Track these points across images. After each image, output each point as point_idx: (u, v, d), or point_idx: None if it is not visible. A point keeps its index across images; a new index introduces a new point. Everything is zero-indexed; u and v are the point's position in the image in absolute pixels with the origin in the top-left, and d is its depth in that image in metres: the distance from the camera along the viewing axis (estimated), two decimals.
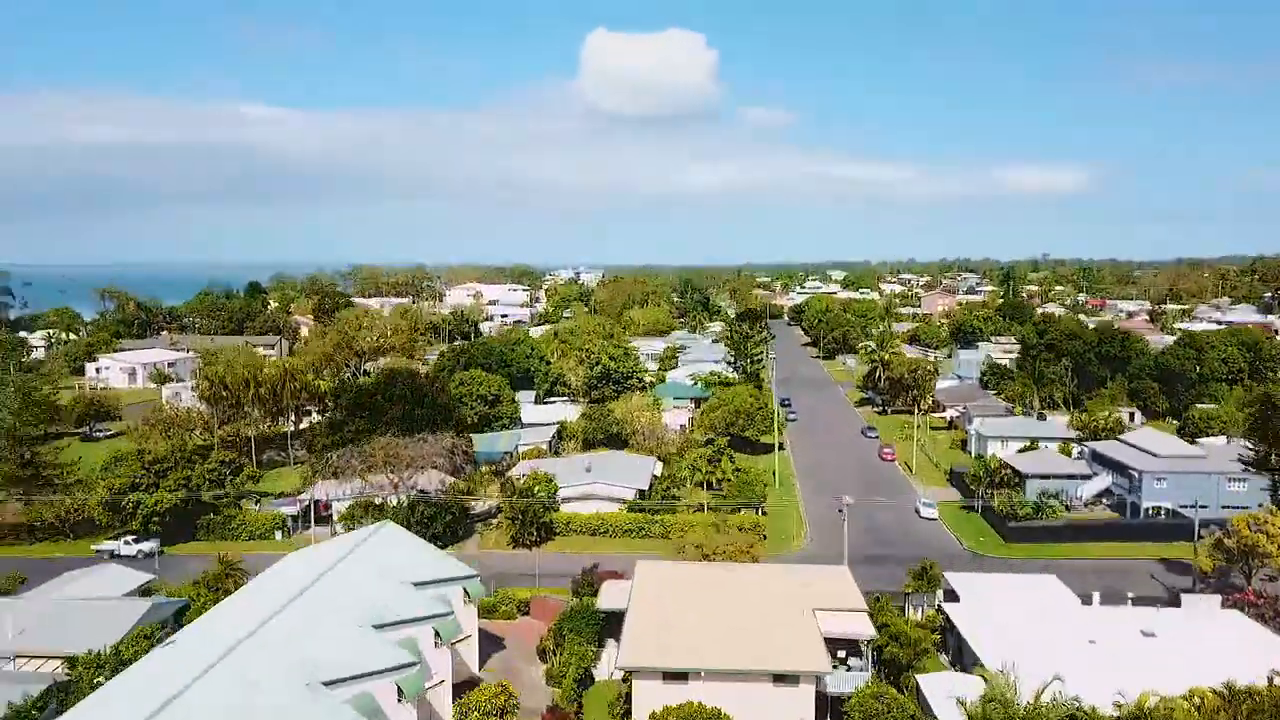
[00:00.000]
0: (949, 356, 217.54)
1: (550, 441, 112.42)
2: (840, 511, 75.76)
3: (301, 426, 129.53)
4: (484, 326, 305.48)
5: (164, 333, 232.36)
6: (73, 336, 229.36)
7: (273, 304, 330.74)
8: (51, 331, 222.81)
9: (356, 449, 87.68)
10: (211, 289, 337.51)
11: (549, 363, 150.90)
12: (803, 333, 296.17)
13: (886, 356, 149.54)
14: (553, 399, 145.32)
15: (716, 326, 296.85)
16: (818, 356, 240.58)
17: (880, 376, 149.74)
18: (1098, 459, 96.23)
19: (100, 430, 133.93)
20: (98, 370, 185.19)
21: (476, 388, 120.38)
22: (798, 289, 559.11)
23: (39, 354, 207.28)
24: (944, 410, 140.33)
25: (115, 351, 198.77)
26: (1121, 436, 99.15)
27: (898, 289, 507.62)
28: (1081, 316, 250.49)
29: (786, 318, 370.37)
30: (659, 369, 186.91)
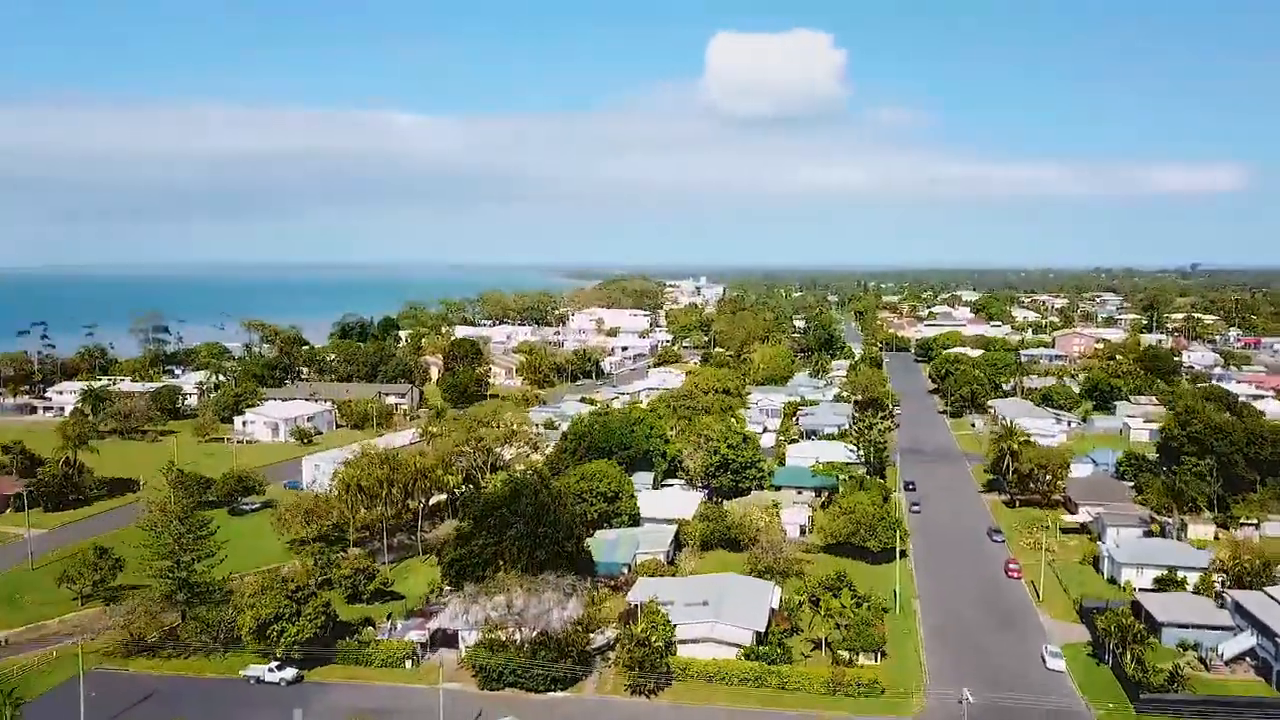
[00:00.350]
0: (1084, 420, 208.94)
1: (667, 553, 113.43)
2: (960, 703, 74.78)
3: (433, 501, 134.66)
4: (605, 363, 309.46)
5: (304, 379, 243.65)
6: (221, 379, 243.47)
7: (404, 335, 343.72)
8: (203, 379, 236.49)
9: (482, 589, 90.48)
10: (349, 324, 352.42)
11: (667, 440, 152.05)
12: (929, 374, 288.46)
13: (1015, 446, 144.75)
14: (671, 482, 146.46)
15: (840, 367, 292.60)
16: (944, 411, 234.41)
17: (1008, 466, 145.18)
18: (1241, 612, 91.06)
19: (246, 504, 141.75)
20: (244, 424, 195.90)
21: (598, 484, 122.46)
22: (925, 310, 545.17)
23: (192, 400, 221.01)
24: (1076, 509, 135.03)
25: (259, 404, 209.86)
26: (1271, 591, 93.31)
27: (1031, 316, 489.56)
28: (1234, 383, 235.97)
29: (913, 352, 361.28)
30: (779, 432, 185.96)
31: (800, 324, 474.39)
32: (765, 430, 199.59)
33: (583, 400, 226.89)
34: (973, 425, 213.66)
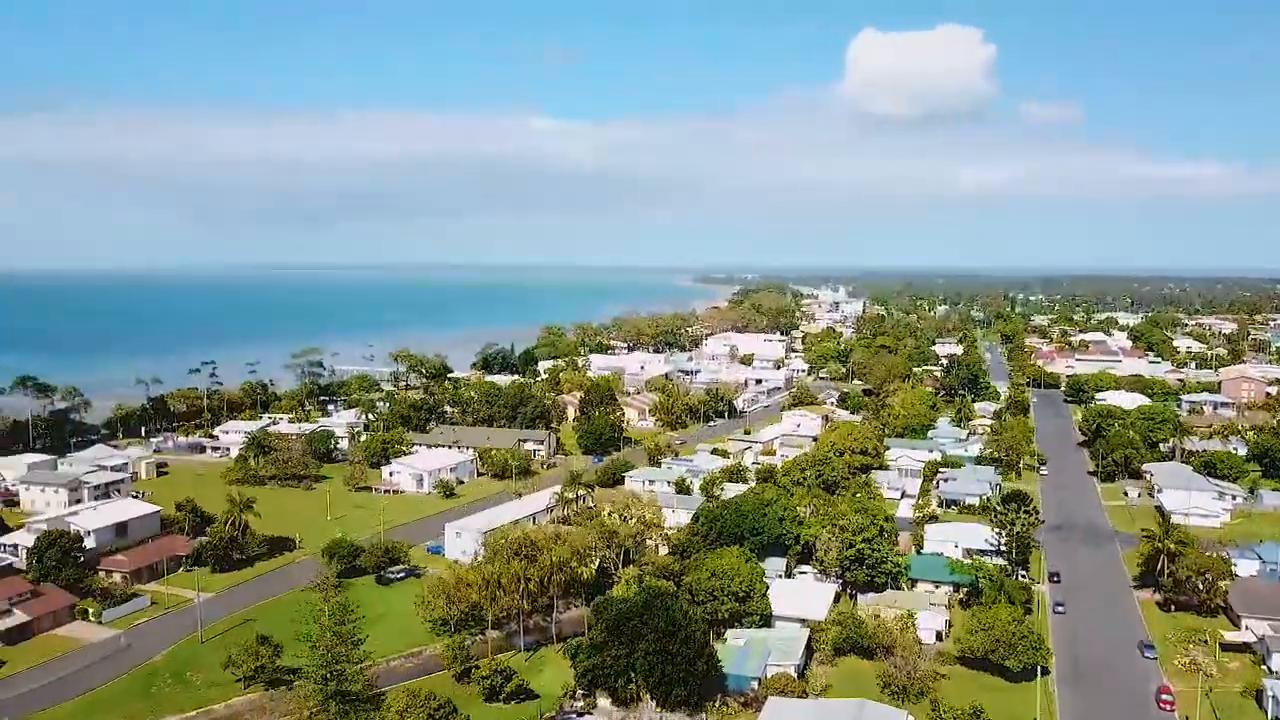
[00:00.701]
0: (1250, 493, 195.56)
1: (798, 665, 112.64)
2: None
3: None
4: (739, 400, 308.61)
5: (448, 418, 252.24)
6: (371, 418, 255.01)
7: (542, 369, 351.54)
8: (354, 421, 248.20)
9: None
10: (490, 354, 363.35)
11: (801, 522, 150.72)
12: (1079, 424, 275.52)
13: (1171, 546, 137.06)
14: (804, 569, 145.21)
15: (987, 410, 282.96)
16: (1094, 472, 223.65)
17: (1163, 567, 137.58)
18: None
19: (392, 573, 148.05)
20: (390, 474, 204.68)
21: (729, 582, 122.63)
22: (1077, 336, 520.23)
23: (343, 444, 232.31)
24: (1240, 623, 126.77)
25: (406, 450, 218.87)
26: None
27: (1195, 346, 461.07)
28: None
29: (1063, 390, 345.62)
30: (917, 507, 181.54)
31: (943, 350, 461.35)
32: (904, 495, 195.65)
33: (715, 452, 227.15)
34: (1125, 494, 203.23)
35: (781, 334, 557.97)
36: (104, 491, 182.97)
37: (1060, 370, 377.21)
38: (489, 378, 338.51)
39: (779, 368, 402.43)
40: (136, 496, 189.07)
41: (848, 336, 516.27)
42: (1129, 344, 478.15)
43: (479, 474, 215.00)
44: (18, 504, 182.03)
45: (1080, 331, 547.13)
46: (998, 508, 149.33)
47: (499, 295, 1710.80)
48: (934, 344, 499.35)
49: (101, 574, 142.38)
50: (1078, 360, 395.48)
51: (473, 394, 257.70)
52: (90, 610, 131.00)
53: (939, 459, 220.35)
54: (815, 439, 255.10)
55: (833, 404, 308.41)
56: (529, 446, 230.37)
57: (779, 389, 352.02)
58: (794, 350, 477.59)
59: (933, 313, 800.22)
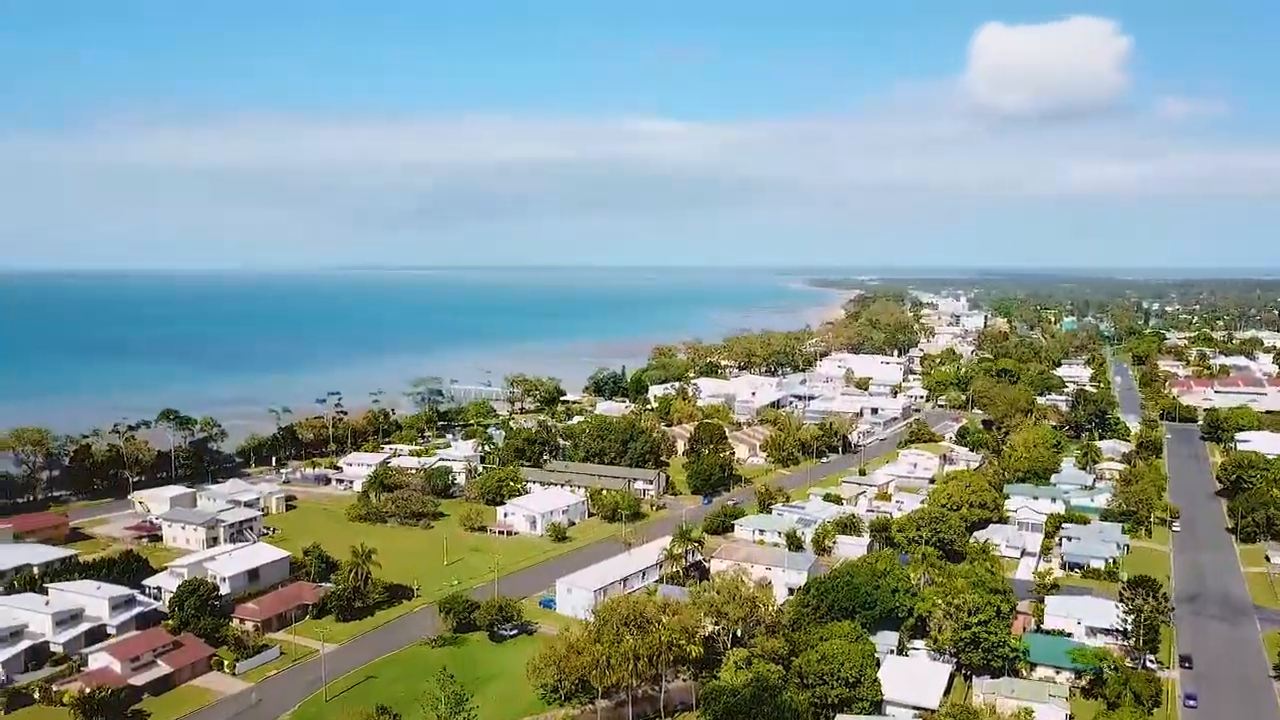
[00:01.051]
0: None
1: None
2: None
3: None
4: (853, 433, 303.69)
5: (559, 456, 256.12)
6: (488, 450, 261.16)
7: (653, 395, 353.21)
8: (471, 454, 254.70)
9: None
10: (601, 379, 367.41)
11: (914, 593, 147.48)
12: (1217, 471, 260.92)
13: None
14: (917, 645, 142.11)
15: (1115, 451, 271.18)
16: (1233, 529, 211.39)
17: None
18: None
19: (505, 630, 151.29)
20: (505, 515, 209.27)
21: (839, 667, 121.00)
22: (1216, 359, 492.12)
23: (459, 478, 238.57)
24: None
25: (520, 487, 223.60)
26: None
27: None
28: None
29: (1200, 425, 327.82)
30: (1037, 572, 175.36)
31: (1069, 372, 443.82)
32: (1024, 553, 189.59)
33: (827, 497, 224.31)
34: (1267, 559, 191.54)
35: (899, 352, 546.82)
36: (238, 530, 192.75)
37: (1197, 402, 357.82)
38: (601, 405, 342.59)
39: (896, 394, 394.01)
40: (267, 532, 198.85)
41: (968, 357, 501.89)
42: (1275, 369, 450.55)
43: (590, 514, 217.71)
44: (161, 539, 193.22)
45: (1220, 353, 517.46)
46: (1124, 591, 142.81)
47: (611, 300, 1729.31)
48: (1059, 365, 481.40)
49: (235, 622, 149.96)
50: (1217, 391, 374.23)
51: (585, 428, 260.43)
52: (226, 661, 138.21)
53: (1062, 511, 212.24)
54: (932, 480, 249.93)
55: (951, 439, 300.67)
56: (639, 485, 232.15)
57: (896, 418, 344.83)
58: (912, 371, 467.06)
59: (1058, 325, 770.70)
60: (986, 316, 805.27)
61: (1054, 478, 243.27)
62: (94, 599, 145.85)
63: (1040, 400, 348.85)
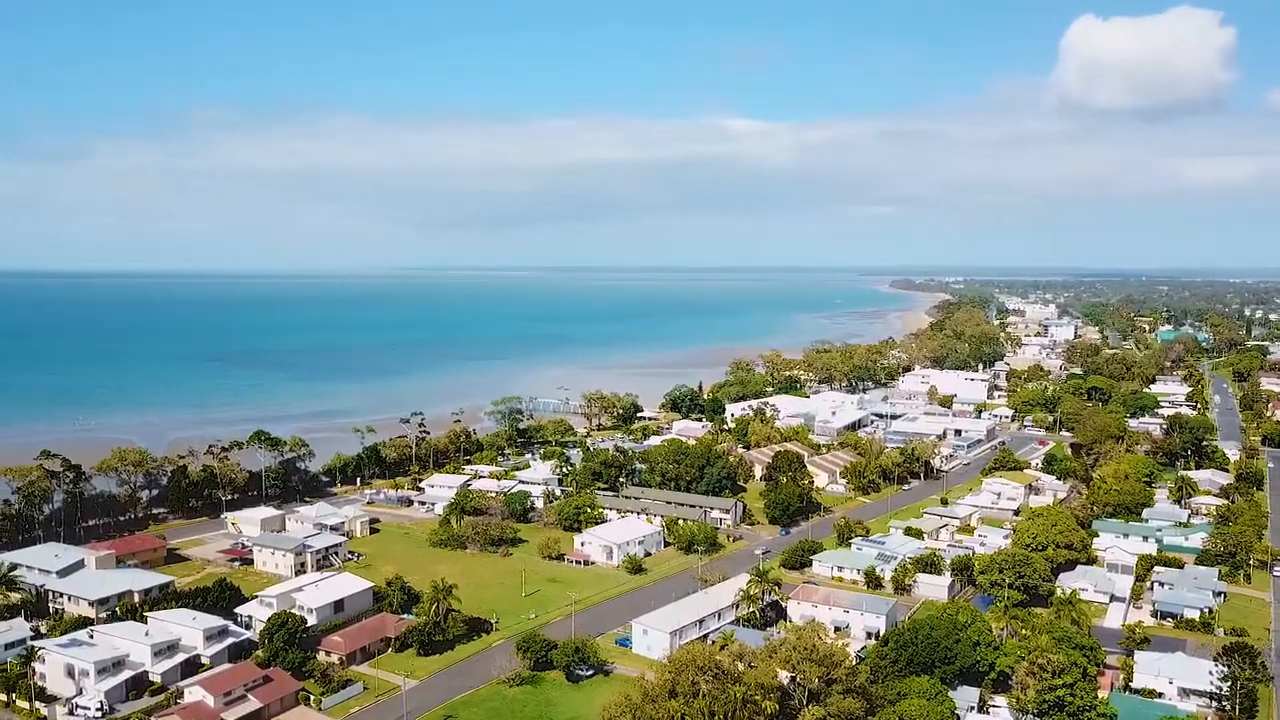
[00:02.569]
0: None
1: None
2: None
3: None
4: (935, 458, 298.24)
5: (635, 481, 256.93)
6: (566, 471, 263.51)
7: (730, 414, 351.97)
8: (549, 478, 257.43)
9: None
10: (679, 396, 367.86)
11: (996, 647, 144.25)
12: None
13: None
14: (997, 702, 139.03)
15: (1213, 483, 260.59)
16: None
17: None
18: None
19: (581, 670, 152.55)
20: (581, 544, 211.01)
21: None
22: None
23: (538, 502, 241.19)
24: None
25: (598, 515, 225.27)
26: None
27: None
28: None
29: None
30: (1129, 598, 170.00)
31: (1164, 389, 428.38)
32: (1113, 599, 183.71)
33: (908, 531, 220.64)
34: None
35: (984, 365, 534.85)
36: (324, 556, 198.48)
37: None
38: (678, 424, 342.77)
39: (980, 414, 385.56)
40: (351, 558, 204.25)
41: (1056, 373, 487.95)
42: None
43: (666, 543, 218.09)
44: (252, 562, 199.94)
45: None
46: (1218, 655, 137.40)
47: (694, 303, 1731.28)
48: (1154, 381, 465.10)
49: (321, 655, 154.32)
50: None
51: (661, 452, 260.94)
52: (312, 695, 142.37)
53: (1154, 552, 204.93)
54: (1016, 512, 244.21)
55: (1037, 465, 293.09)
56: (715, 514, 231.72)
57: (980, 440, 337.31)
58: (997, 388, 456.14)
59: (1153, 334, 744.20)
60: (1076, 326, 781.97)
61: (1146, 513, 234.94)
62: (190, 629, 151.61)
63: (1132, 424, 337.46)
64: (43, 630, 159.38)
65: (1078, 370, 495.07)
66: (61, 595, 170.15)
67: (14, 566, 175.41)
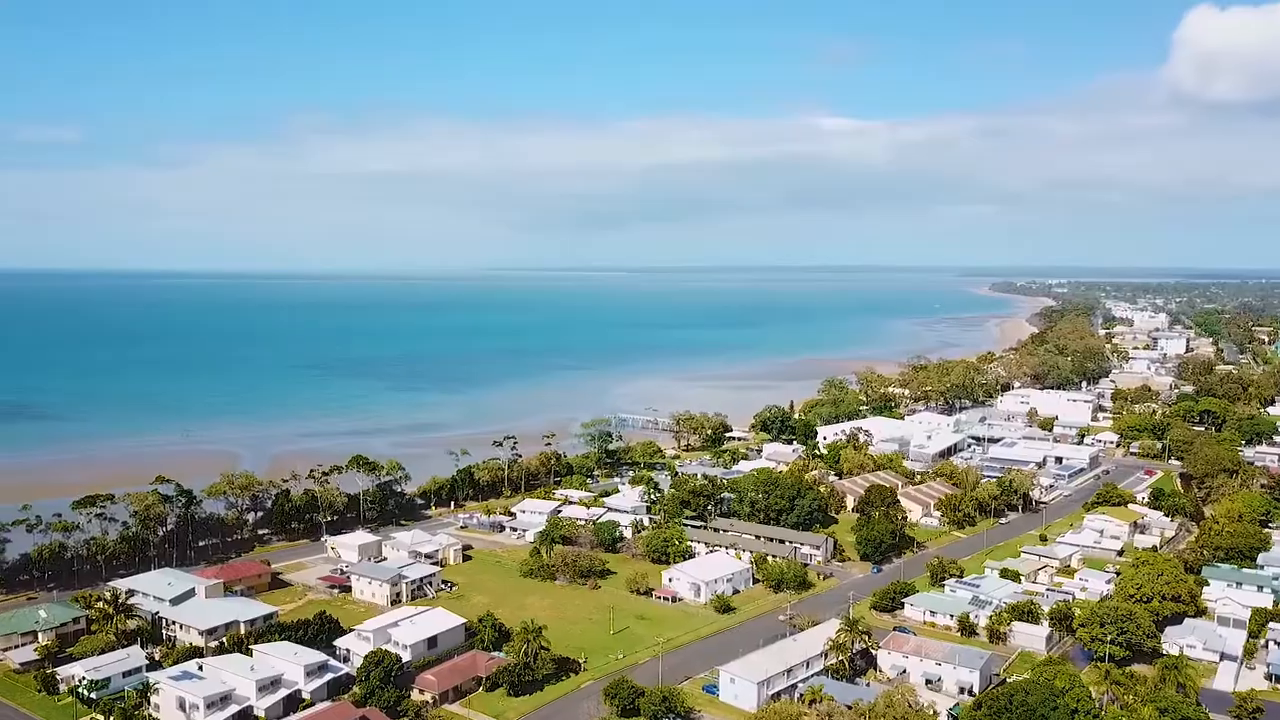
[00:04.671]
0: None
1: None
2: None
3: None
4: (1035, 489, 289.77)
5: (724, 511, 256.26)
6: (654, 498, 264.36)
7: (822, 437, 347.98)
8: (637, 505, 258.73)
9: None
10: (769, 417, 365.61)
11: (1096, 716, 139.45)
12: None
13: None
14: None
15: None
16: None
17: None
18: None
19: None
20: (669, 580, 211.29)
21: None
22: None
23: (626, 532, 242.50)
24: None
25: (685, 548, 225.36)
26: None
27: None
28: None
29: None
30: (1241, 657, 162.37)
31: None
32: (1223, 657, 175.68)
33: (1004, 573, 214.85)
34: None
35: (1088, 383, 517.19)
36: (419, 586, 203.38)
37: None
38: (768, 447, 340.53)
39: (1083, 438, 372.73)
40: (445, 588, 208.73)
41: (1165, 394, 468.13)
42: None
43: (755, 580, 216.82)
44: (350, 590, 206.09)
45: None
46: None
47: (787, 305, 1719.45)
48: (1272, 402, 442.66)
49: (415, 693, 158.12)
50: None
51: (751, 482, 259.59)
52: None
53: (1270, 605, 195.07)
54: (1120, 552, 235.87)
55: (1143, 499, 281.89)
56: (805, 550, 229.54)
57: (1082, 469, 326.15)
58: (1102, 409, 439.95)
59: (1273, 348, 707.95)
60: (1189, 339, 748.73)
61: (1261, 558, 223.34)
62: (291, 665, 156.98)
63: (1246, 453, 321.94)
64: (157, 657, 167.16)
65: (1189, 389, 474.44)
66: (174, 623, 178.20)
67: (131, 593, 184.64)
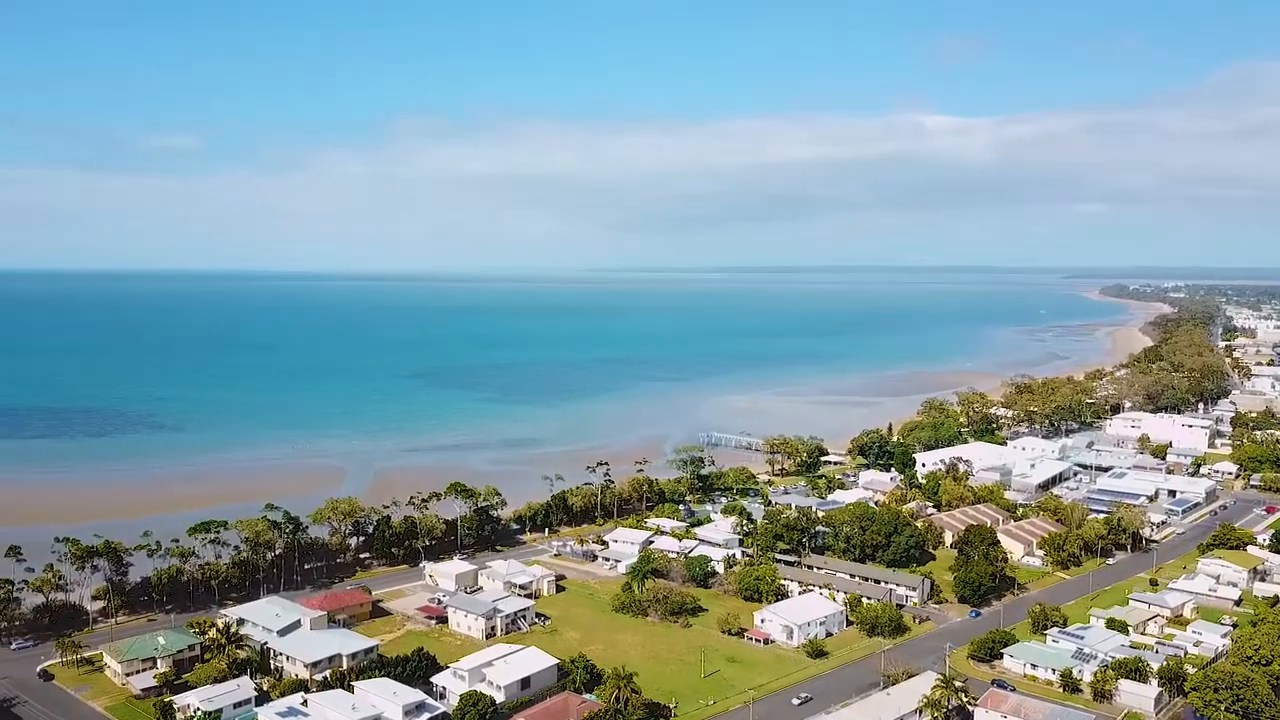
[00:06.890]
0: None
1: None
2: None
3: None
4: (1145, 527, 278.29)
5: (818, 546, 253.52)
6: (746, 530, 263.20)
7: (920, 465, 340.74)
8: (729, 538, 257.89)
9: None
10: (867, 443, 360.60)
11: None
12: None
13: None
14: None
15: None
16: None
17: None
18: None
19: None
20: (762, 621, 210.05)
21: None
22: None
23: (718, 566, 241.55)
24: None
25: (776, 592, 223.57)
26: None
27: None
28: None
29: None
30: None
31: None
32: None
33: (1110, 624, 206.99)
34: None
35: (1205, 404, 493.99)
36: (513, 620, 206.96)
37: None
38: (864, 475, 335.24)
39: (1198, 469, 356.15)
40: (538, 621, 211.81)
41: None
42: None
43: (849, 622, 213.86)
44: (447, 621, 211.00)
45: None
46: None
47: (888, 310, 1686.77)
48: None
49: None
50: None
51: (847, 516, 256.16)
52: None
53: None
54: (1238, 601, 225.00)
55: (1264, 541, 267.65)
56: (901, 591, 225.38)
57: (1198, 504, 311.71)
58: (1220, 434, 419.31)
59: None
60: None
61: None
62: (390, 704, 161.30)
63: None
64: (265, 688, 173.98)
65: None
66: (281, 654, 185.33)
67: (241, 622, 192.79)
